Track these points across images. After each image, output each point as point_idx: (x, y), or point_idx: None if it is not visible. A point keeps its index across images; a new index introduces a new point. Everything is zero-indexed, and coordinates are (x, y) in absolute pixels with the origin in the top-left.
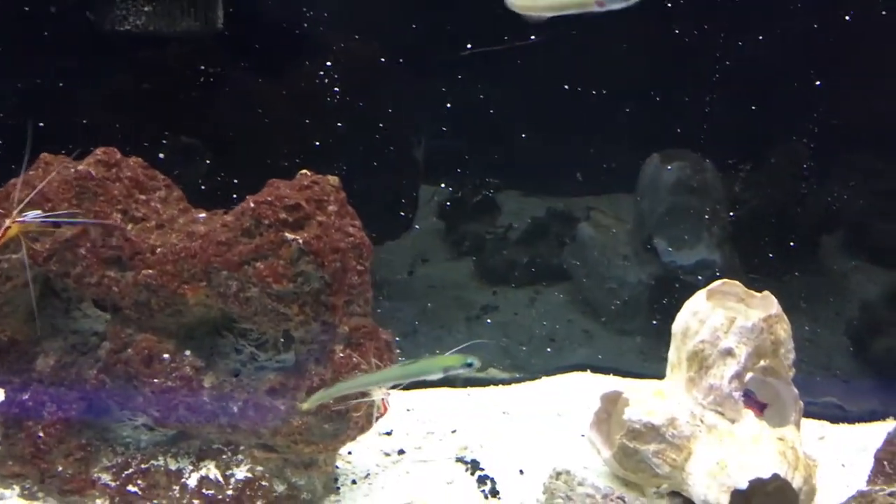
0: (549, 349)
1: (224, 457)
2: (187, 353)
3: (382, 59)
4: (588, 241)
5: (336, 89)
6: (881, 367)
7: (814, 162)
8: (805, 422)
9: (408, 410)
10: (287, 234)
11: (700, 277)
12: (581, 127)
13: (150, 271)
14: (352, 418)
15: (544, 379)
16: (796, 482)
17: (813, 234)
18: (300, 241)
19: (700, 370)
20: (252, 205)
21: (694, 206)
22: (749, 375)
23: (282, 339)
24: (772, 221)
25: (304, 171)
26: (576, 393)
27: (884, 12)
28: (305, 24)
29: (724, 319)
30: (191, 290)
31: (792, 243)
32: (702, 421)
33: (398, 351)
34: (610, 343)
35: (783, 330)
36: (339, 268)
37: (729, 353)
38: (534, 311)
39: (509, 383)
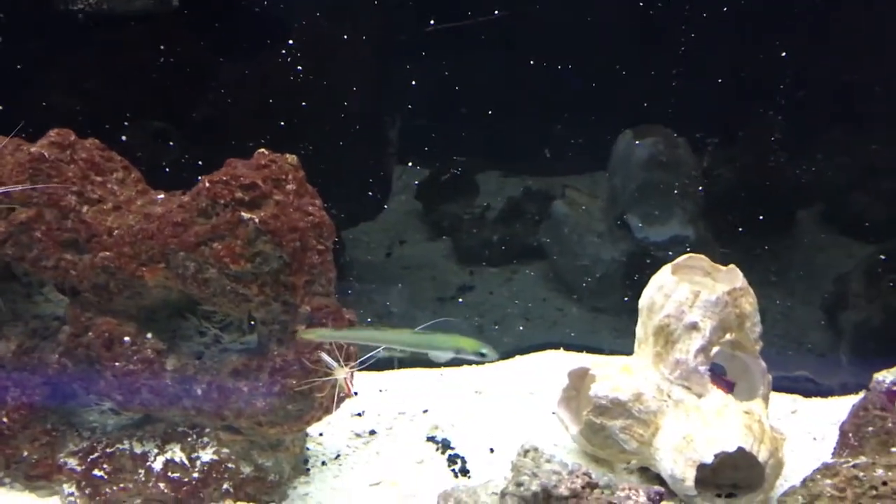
0: (522, 328)
1: (189, 440)
2: (149, 335)
3: (346, 37)
4: (562, 219)
5: (299, 68)
6: (853, 340)
7: (785, 135)
8: (778, 396)
9: (380, 391)
10: (243, 214)
11: (672, 253)
12: (556, 104)
13: (108, 253)
14: (315, 399)
15: (518, 358)
16: (762, 455)
17: (787, 207)
18: (257, 220)
19: (666, 345)
20: (208, 185)
21: (666, 181)
22: (715, 349)
23: (247, 321)
24: (745, 195)
25: (261, 150)
26: (548, 371)
27: None
28: (266, 2)
29: (688, 293)
30: (149, 272)
31: (765, 217)
32: (669, 396)
33: None
34: (584, 321)
35: (748, 303)
36: (299, 247)
37: (694, 326)
38: (509, 290)
39: (483, 363)
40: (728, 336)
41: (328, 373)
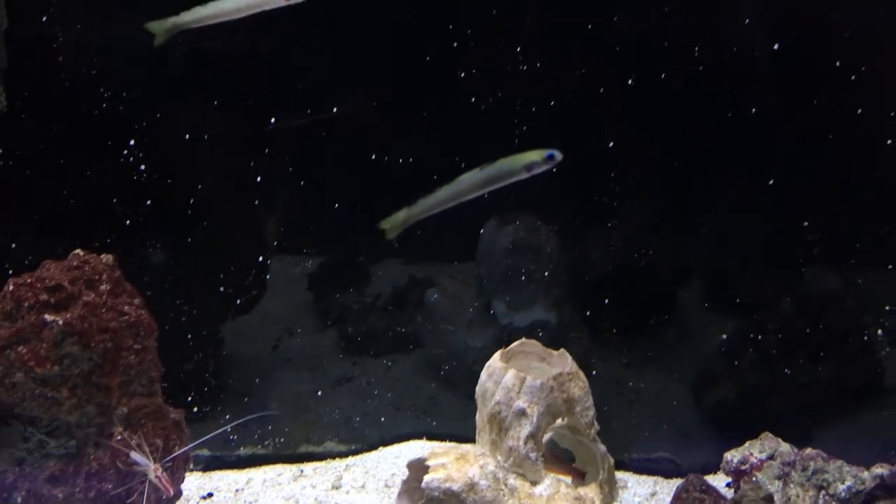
0: (389, 419)
1: None
2: None
3: (187, 137)
4: (434, 307)
5: (143, 167)
6: (714, 418)
7: (663, 214)
8: (639, 478)
9: (236, 490)
10: (47, 316)
11: (539, 336)
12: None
13: None
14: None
15: (381, 449)
16: None
17: (663, 288)
18: (61, 322)
19: (500, 432)
20: (12, 287)
21: (529, 267)
22: (547, 435)
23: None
24: (618, 277)
25: (76, 251)
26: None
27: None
28: (107, 105)
29: (515, 380)
30: None
31: (640, 297)
32: (505, 484)
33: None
34: (454, 409)
35: (577, 387)
36: (111, 347)
37: (522, 413)
38: (386, 379)
39: (346, 455)
40: (560, 421)
41: (143, 472)
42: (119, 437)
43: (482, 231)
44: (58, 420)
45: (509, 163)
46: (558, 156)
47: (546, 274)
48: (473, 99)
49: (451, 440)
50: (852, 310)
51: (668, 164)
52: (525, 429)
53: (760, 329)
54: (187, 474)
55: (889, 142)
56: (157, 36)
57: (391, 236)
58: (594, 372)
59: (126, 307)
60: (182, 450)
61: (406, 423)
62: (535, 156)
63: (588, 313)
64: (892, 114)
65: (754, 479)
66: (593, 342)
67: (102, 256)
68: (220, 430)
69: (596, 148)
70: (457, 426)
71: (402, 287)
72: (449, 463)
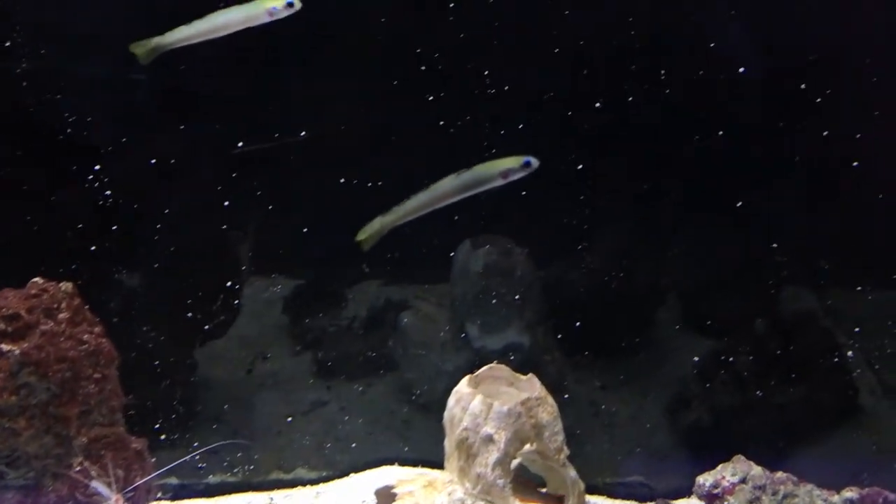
0: (362, 444)
1: None
2: None
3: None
4: (409, 330)
5: (108, 193)
6: (688, 441)
7: (636, 237)
8: (612, 503)
9: None
10: (4, 346)
11: (512, 359)
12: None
13: None
14: None
15: (352, 476)
16: None
17: (639, 309)
18: (17, 351)
19: (468, 458)
20: None
21: (501, 290)
22: (515, 461)
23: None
24: (595, 299)
25: (35, 278)
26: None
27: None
28: (72, 129)
29: (482, 406)
30: None
31: (617, 320)
32: None
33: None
34: (427, 434)
35: (546, 412)
36: (70, 377)
37: (490, 439)
38: (360, 404)
39: (317, 483)
40: (528, 447)
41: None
42: (78, 468)
43: (455, 253)
44: (17, 451)
45: (485, 169)
46: (534, 163)
47: (518, 297)
48: (442, 122)
49: (423, 466)
50: (824, 331)
51: (639, 186)
52: (493, 455)
53: (733, 351)
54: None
55: (855, 164)
56: (141, 57)
57: (367, 247)
58: (566, 396)
59: (86, 336)
60: (143, 480)
61: (379, 448)
62: (511, 162)
63: (561, 336)
64: (858, 136)
65: (726, 503)
66: (567, 365)
67: (62, 284)
68: (183, 459)
69: (567, 170)
70: (430, 451)
71: (377, 309)
72: (416, 490)
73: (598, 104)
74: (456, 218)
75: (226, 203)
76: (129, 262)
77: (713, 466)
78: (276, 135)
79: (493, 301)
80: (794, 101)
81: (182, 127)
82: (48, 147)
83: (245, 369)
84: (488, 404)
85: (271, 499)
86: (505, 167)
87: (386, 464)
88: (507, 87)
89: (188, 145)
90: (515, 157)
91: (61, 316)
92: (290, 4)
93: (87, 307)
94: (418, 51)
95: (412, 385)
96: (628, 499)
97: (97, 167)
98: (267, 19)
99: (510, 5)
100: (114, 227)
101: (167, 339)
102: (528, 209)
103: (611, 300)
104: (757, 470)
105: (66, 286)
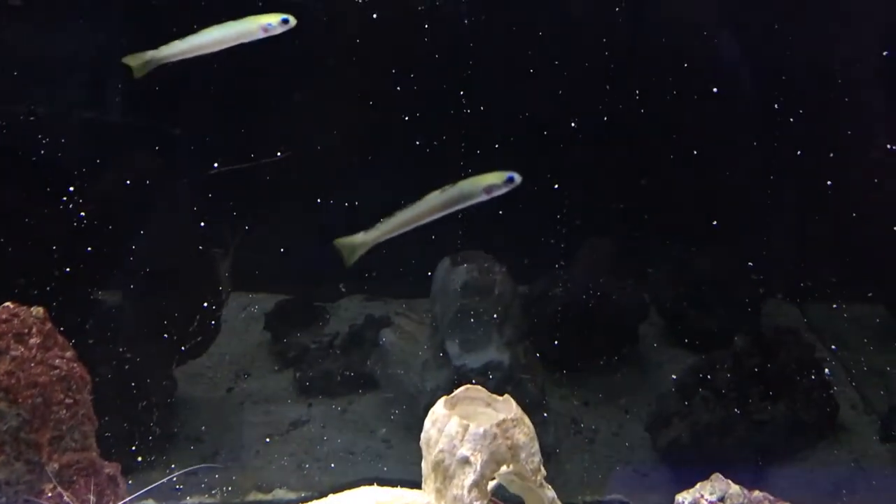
0: (342, 464)
1: None
2: None
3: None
4: (390, 347)
5: (82, 214)
6: (668, 458)
7: (616, 254)
8: None
9: None
10: None
11: (492, 377)
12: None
13: None
14: None
15: (331, 496)
16: None
17: (619, 326)
18: None
19: (444, 480)
20: None
21: (481, 307)
22: (492, 483)
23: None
24: (575, 317)
25: (6, 303)
26: None
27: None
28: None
29: (458, 427)
30: None
31: (600, 336)
32: None
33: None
34: (408, 453)
35: (522, 433)
36: (41, 403)
37: (466, 461)
38: (341, 422)
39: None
40: (505, 468)
41: None
42: (50, 494)
43: (435, 272)
44: None
45: (469, 185)
46: (517, 178)
47: (497, 315)
48: (418, 142)
49: (403, 485)
50: (804, 348)
51: (618, 203)
52: (469, 477)
53: (713, 368)
54: None
55: (829, 183)
56: (135, 70)
57: (349, 263)
58: (545, 414)
59: (57, 360)
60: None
61: (359, 468)
62: (494, 178)
63: (541, 353)
64: (831, 155)
65: None
66: (547, 382)
67: (32, 309)
68: (160, 482)
69: (547, 187)
70: (411, 471)
71: (358, 327)
72: None
73: (573, 123)
74: (433, 237)
75: (201, 224)
76: (103, 284)
77: (693, 484)
78: (252, 155)
79: (473, 319)
80: (773, 117)
81: (157, 147)
82: (20, 168)
83: (225, 388)
84: (464, 426)
85: None
86: (488, 183)
87: (366, 483)
88: (481, 108)
89: (164, 164)
90: (499, 173)
91: (32, 341)
92: (286, 21)
93: (58, 331)
94: (394, 71)
95: (392, 404)
96: None
97: (71, 188)
98: (261, 35)
99: (486, 25)
100: (88, 249)
101: (144, 360)
102: (507, 226)
103: (590, 318)
104: (735, 489)
105: (37, 311)
